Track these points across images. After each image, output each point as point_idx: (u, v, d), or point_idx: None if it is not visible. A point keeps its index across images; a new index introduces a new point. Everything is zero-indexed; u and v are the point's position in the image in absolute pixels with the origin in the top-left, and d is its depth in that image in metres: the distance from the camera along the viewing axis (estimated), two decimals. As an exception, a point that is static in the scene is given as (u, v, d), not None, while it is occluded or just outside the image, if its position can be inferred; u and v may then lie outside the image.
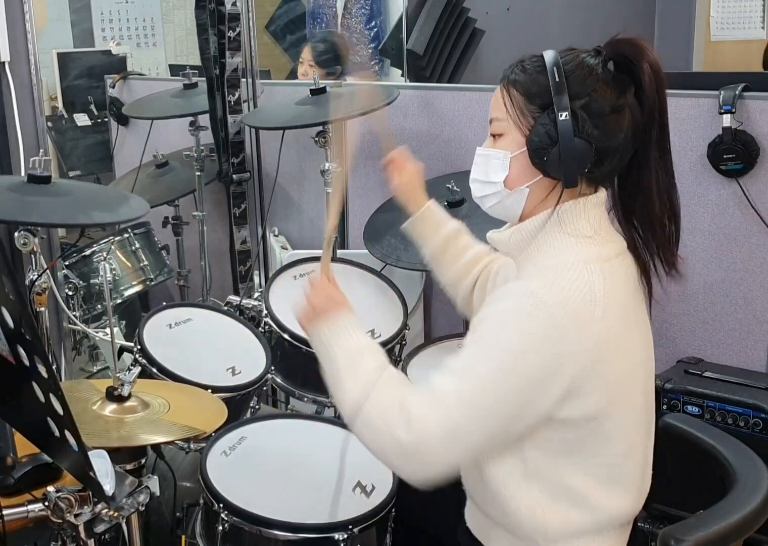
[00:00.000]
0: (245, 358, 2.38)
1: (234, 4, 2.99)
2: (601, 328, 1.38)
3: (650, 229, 1.50)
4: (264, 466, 1.93)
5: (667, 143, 1.47)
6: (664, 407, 2.15)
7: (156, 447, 1.89)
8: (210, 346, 2.41)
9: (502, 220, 1.56)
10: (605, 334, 1.38)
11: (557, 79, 1.40)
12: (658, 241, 1.50)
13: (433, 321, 3.00)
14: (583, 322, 1.36)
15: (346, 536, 1.72)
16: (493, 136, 1.50)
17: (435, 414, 1.36)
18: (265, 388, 2.43)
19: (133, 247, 3.32)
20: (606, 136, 1.41)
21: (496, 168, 1.48)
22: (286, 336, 2.38)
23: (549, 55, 1.44)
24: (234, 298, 2.80)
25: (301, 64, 4.11)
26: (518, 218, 1.51)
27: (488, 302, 1.46)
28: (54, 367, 2.44)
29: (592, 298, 1.37)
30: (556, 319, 1.35)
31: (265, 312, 2.47)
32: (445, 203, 2.61)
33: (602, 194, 1.49)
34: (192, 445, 2.09)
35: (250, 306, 2.75)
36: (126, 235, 3.30)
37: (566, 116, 1.39)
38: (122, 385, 1.78)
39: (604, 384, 1.40)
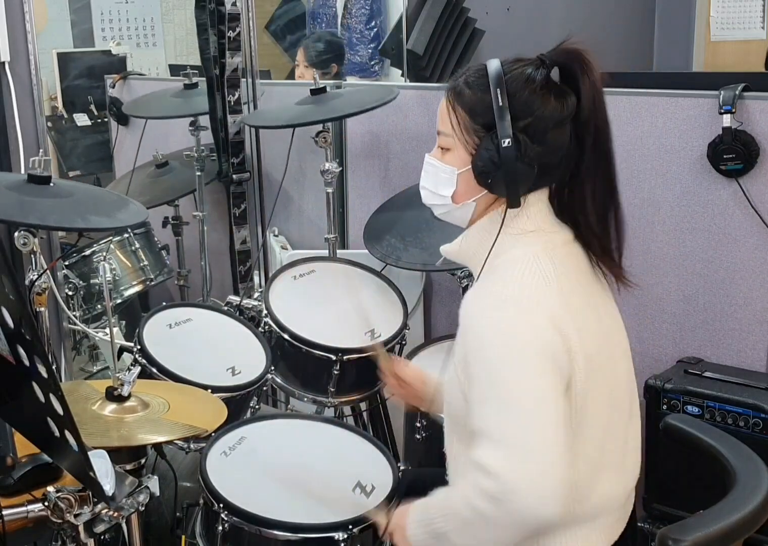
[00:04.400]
0: (245, 358, 2.38)
1: (234, 4, 2.99)
2: (561, 302, 1.41)
3: (586, 238, 1.51)
4: (264, 466, 1.93)
5: (609, 154, 1.48)
6: (664, 407, 2.15)
7: (157, 446, 1.88)
8: (210, 346, 2.41)
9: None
10: (564, 307, 1.41)
11: (500, 104, 1.41)
12: (594, 252, 1.52)
13: (433, 321, 3.00)
14: (542, 299, 1.40)
15: (346, 536, 1.72)
16: (441, 148, 1.53)
17: (493, 446, 1.35)
18: (265, 388, 2.43)
19: (133, 247, 3.32)
20: (548, 152, 1.44)
21: (444, 183, 1.52)
22: (286, 336, 2.38)
23: (492, 72, 1.44)
24: (234, 298, 2.80)
25: (297, 67, 4.12)
26: (467, 224, 1.56)
27: (460, 318, 1.49)
28: (54, 367, 2.44)
29: (545, 279, 1.42)
30: (519, 305, 1.39)
31: (265, 312, 2.46)
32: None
33: (543, 191, 1.51)
34: (192, 445, 2.09)
35: (250, 306, 2.76)
36: (126, 235, 3.29)
37: (509, 143, 1.41)
38: (122, 385, 1.78)
39: (582, 357, 1.41)
